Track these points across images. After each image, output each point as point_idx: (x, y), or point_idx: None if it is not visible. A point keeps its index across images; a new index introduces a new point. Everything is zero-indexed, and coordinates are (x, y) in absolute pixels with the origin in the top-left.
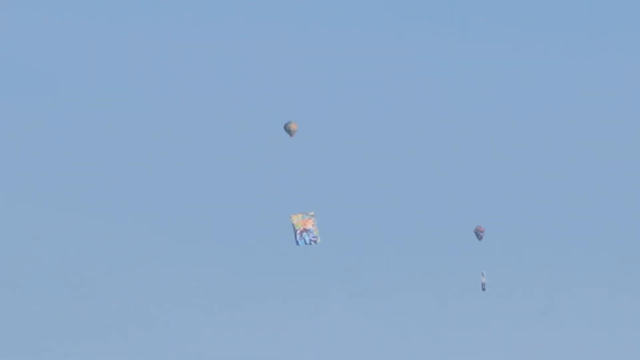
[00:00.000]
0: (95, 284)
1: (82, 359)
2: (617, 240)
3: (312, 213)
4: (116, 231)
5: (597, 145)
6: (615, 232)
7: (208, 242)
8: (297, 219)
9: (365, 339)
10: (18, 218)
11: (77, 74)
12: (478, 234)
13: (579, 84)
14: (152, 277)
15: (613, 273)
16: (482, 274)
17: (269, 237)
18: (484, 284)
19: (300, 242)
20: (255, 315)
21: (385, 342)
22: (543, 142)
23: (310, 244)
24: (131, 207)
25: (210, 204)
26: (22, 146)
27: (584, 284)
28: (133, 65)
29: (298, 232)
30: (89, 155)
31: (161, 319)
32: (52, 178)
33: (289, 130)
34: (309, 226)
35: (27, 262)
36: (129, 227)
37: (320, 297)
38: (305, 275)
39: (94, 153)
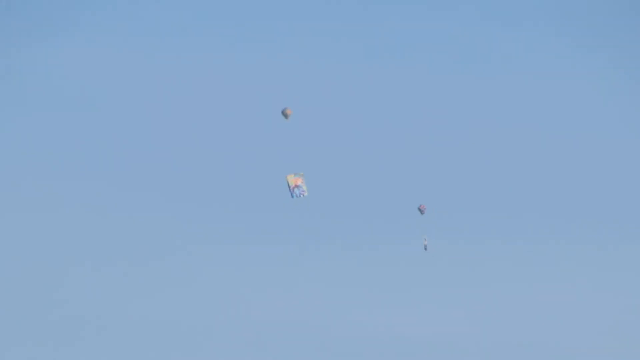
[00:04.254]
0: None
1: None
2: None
3: (301, 173)
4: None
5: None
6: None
7: (222, 195)
8: (290, 178)
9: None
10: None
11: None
12: (421, 211)
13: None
14: (166, 225)
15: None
16: (424, 238)
17: (270, 192)
18: (426, 245)
19: (293, 195)
20: (262, 253)
21: (344, 283)
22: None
23: (300, 196)
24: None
25: (225, 169)
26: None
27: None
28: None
29: (291, 187)
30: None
31: (173, 262)
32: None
33: (285, 115)
34: (299, 182)
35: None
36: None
37: (306, 241)
38: (297, 220)
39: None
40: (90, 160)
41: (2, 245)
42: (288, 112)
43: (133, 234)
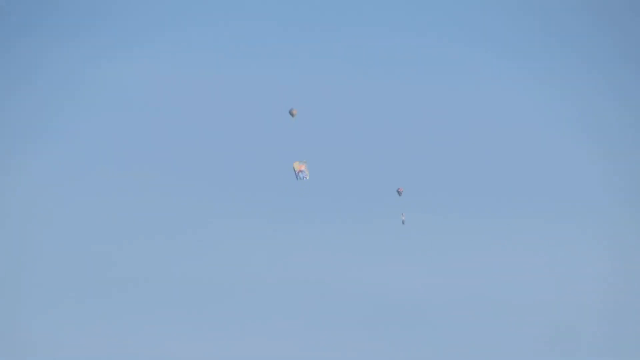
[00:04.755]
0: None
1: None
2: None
3: (305, 160)
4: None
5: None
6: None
7: (244, 178)
8: (296, 164)
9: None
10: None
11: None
12: (399, 192)
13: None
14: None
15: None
16: (402, 214)
17: (280, 176)
18: (404, 220)
19: (298, 178)
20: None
21: (333, 252)
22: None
23: (304, 179)
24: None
25: (245, 158)
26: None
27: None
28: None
29: (297, 172)
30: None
31: (207, 232)
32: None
33: (291, 114)
34: (303, 168)
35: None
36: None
37: (307, 213)
38: (301, 198)
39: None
40: (147, 151)
41: (78, 221)
42: (294, 112)
43: (176, 210)
